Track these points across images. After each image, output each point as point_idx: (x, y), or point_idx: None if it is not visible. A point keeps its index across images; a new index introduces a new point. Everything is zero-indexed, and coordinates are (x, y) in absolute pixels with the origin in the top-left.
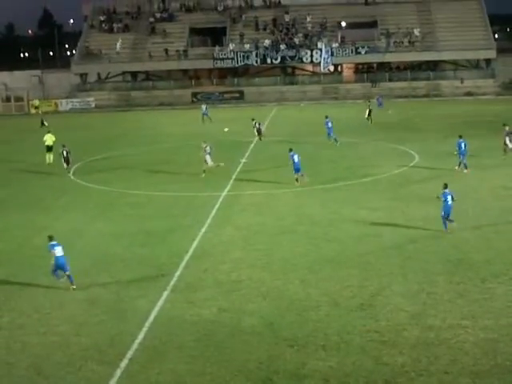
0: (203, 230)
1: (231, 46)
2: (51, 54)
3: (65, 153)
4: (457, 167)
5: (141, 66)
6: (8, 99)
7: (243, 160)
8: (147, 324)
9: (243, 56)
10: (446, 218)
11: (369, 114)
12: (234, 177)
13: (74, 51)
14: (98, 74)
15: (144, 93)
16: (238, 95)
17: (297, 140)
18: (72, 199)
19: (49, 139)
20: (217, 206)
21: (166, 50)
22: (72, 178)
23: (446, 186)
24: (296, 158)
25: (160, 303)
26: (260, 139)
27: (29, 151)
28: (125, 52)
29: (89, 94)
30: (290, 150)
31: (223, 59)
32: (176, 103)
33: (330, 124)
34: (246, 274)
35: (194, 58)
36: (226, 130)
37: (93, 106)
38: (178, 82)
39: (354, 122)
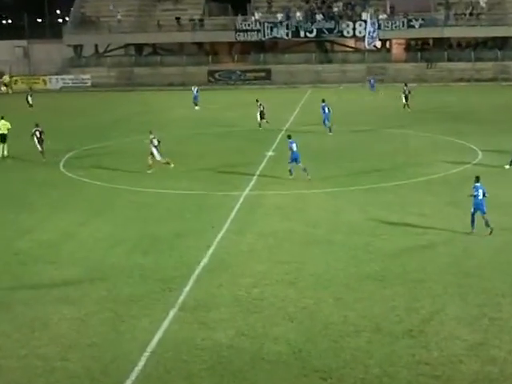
0: (219, 236)
1: (257, 16)
2: (39, 20)
3: (38, 133)
4: None
5: (147, 38)
6: None
7: (269, 153)
8: (149, 348)
9: (271, 28)
10: (482, 215)
11: (405, 100)
12: (257, 173)
13: (66, 18)
14: (96, 47)
15: (150, 70)
16: (263, 75)
17: (335, 129)
18: (62, 196)
19: (2, 127)
20: (236, 207)
21: (178, 19)
22: (62, 170)
23: (477, 180)
24: (294, 146)
25: (166, 324)
26: (260, 125)
27: (9, 137)
28: (128, 20)
29: (84, 69)
30: (289, 137)
31: (247, 31)
32: (189, 83)
33: (326, 109)
34: (269, 290)
35: (211, 29)
36: (196, 108)
37: (89, 84)
38: (191, 57)
39: (402, 110)
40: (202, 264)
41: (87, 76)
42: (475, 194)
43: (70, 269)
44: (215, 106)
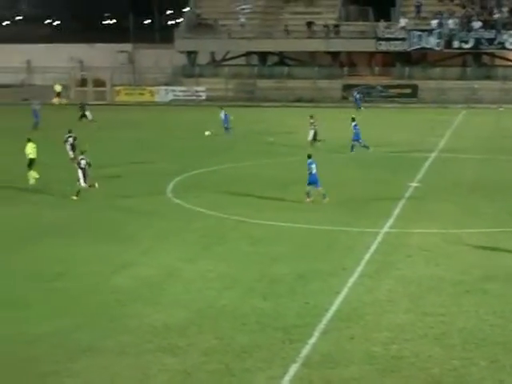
0: (351, 280)
1: (403, 22)
2: (147, 21)
3: (71, 139)
4: None
5: (273, 45)
6: (84, 82)
7: (414, 184)
8: None
9: (419, 36)
10: None
11: None
12: (399, 207)
13: (178, 20)
14: (212, 54)
15: (275, 82)
16: (409, 91)
17: (493, 158)
18: (167, 227)
19: (32, 150)
20: (373, 247)
21: (310, 24)
22: (169, 196)
23: None
24: (314, 168)
25: (285, 381)
26: (312, 144)
27: (101, 156)
28: (252, 24)
29: (198, 80)
30: (309, 157)
31: (390, 40)
32: (320, 99)
33: (357, 128)
34: (410, 347)
35: (348, 37)
36: (206, 133)
37: (203, 97)
38: (324, 69)
39: None
40: (330, 312)
41: (202, 88)
42: None
43: (175, 312)
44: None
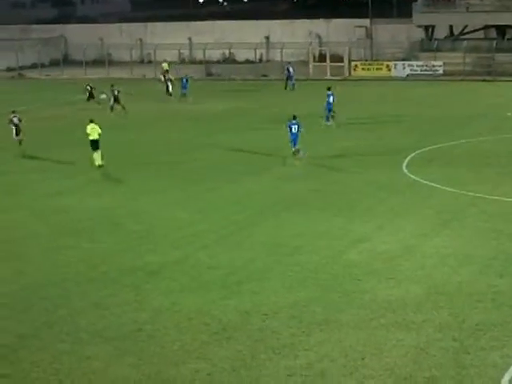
0: None
1: None
2: None
3: (112, 100)
4: None
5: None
6: (322, 58)
7: None
8: None
9: None
10: None
11: None
12: None
13: None
14: (450, 28)
15: None
16: None
17: None
18: (403, 202)
19: (92, 132)
20: None
21: None
22: (405, 171)
23: None
24: (294, 128)
25: None
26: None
27: (337, 130)
28: None
29: (435, 55)
30: (294, 118)
31: None
32: None
33: (331, 99)
34: None
35: None
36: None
37: (440, 72)
38: None
39: None
40: None
41: (439, 63)
42: None
43: (410, 288)
44: None
